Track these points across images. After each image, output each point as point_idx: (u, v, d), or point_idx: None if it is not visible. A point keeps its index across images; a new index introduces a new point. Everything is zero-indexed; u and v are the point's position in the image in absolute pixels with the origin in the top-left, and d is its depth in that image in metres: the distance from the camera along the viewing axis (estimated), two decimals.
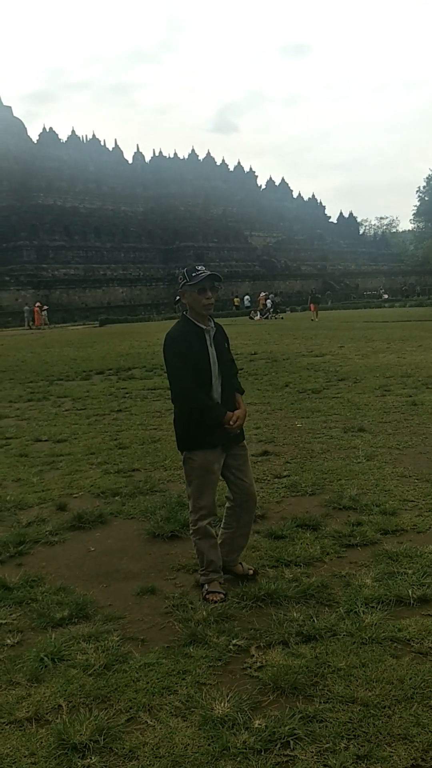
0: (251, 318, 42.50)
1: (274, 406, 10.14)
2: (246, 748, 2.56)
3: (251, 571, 4.15)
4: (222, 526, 4.21)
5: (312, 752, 2.54)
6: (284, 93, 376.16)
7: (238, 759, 2.51)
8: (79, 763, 2.52)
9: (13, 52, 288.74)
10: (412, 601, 3.66)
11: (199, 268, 3.93)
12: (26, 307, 47.29)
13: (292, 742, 2.59)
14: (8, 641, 3.49)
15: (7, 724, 2.79)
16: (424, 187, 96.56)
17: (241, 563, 4.20)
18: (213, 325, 4.04)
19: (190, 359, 3.89)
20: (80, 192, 67.88)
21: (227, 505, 4.18)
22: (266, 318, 42.39)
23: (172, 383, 4.00)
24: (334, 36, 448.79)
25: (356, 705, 2.79)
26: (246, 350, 18.79)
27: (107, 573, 4.35)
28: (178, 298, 4.10)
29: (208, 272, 3.90)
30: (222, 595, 3.88)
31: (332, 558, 4.36)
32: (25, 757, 2.58)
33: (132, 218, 68.01)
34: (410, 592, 3.72)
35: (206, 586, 3.93)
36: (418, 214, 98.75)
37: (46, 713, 2.85)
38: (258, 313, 44.08)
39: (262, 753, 2.55)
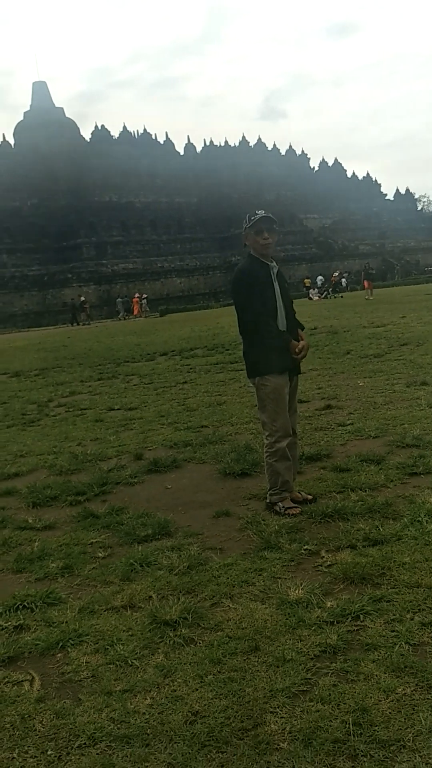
0: (310, 298, 42.39)
1: (336, 370, 10.29)
2: (320, 621, 2.84)
3: (310, 497, 4.39)
4: None
5: (381, 622, 2.79)
6: (331, 75, 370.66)
7: (313, 628, 2.79)
8: (171, 634, 2.85)
9: (59, 54, 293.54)
10: None
11: (258, 212, 4.23)
12: (119, 299, 48.65)
13: (362, 616, 2.85)
14: (99, 554, 3.87)
15: (105, 611, 3.15)
16: None
17: (299, 491, 4.45)
18: (275, 264, 4.32)
19: (258, 289, 4.19)
20: (134, 187, 68.66)
21: None
22: (325, 297, 42.20)
23: (241, 313, 4.30)
24: (380, 12, 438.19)
25: (421, 588, 3.03)
26: (306, 326, 18.86)
27: (184, 503, 4.69)
28: (245, 243, 4.40)
29: (263, 214, 4.19)
30: (299, 509, 4.15)
31: (396, 484, 4.57)
32: (123, 631, 2.93)
33: (186, 209, 68.57)
34: None
35: (280, 504, 4.21)
36: None
37: (139, 602, 3.20)
38: (317, 292, 43.94)
39: (335, 624, 2.82)
